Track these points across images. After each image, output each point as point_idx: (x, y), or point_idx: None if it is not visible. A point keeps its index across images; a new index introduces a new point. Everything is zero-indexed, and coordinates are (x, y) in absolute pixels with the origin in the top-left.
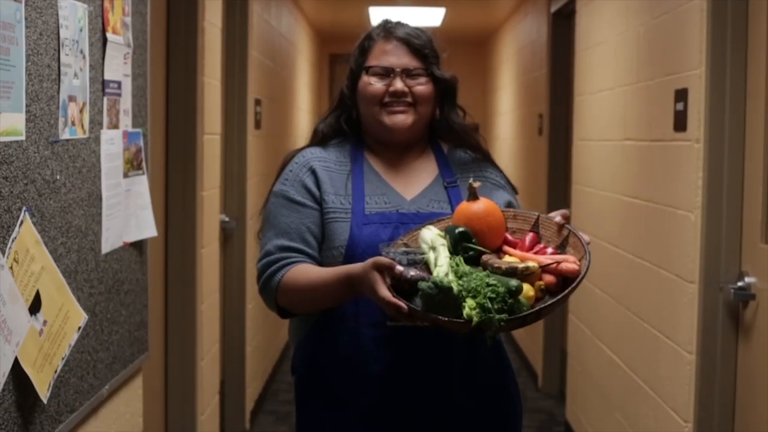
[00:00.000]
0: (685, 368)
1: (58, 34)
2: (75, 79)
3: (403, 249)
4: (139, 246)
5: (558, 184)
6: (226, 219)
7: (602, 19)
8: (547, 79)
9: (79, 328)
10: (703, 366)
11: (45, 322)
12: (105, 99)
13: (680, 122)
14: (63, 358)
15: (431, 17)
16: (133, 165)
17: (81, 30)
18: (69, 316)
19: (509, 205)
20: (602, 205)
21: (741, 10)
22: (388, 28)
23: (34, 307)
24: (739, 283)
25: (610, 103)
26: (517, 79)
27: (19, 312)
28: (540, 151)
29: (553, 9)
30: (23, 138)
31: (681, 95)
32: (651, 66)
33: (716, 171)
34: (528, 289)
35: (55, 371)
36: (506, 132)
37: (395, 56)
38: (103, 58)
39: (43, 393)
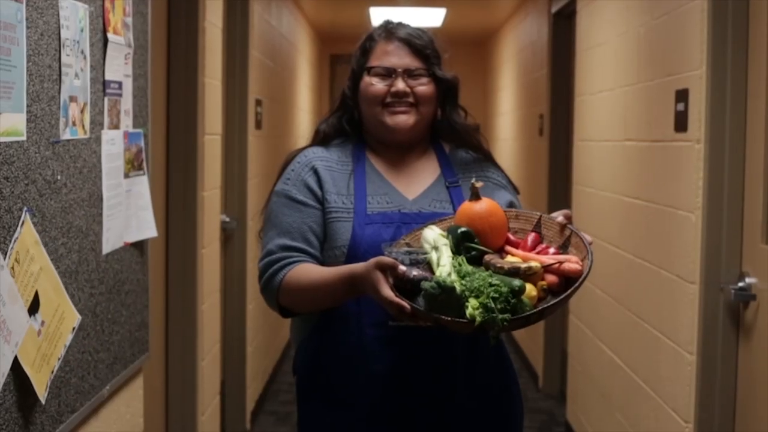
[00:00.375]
0: (685, 369)
1: (59, 34)
2: (76, 80)
3: (406, 249)
4: (139, 246)
5: (558, 185)
6: (227, 219)
7: (603, 20)
8: (548, 79)
9: (74, 328)
10: (704, 366)
11: (43, 323)
12: (106, 99)
13: (681, 123)
14: (59, 359)
15: (432, 18)
16: (133, 165)
17: (82, 30)
18: (64, 317)
19: (511, 205)
20: (603, 205)
21: (741, 11)
22: (389, 29)
23: (33, 307)
24: (740, 284)
25: (611, 103)
26: (517, 80)
27: (19, 312)
28: (541, 151)
29: (554, 9)
30: (24, 138)
31: (681, 96)
32: (651, 66)
33: (717, 171)
34: (531, 289)
35: (52, 371)
36: (507, 132)
37: (397, 57)
38: (104, 59)
39: (41, 393)
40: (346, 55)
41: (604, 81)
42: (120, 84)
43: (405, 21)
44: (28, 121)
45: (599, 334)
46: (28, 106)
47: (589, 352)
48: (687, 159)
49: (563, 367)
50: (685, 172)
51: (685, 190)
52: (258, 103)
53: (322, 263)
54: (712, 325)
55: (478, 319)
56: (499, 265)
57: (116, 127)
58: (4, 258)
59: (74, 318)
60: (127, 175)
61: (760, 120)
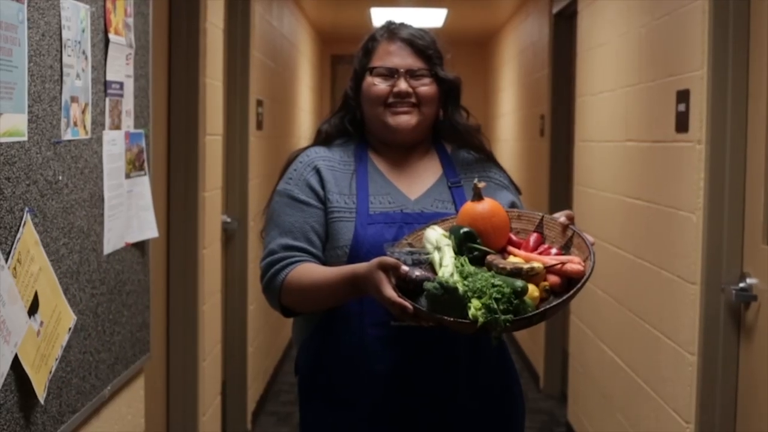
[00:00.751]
0: (686, 369)
1: (61, 35)
2: (77, 80)
3: (408, 249)
4: (140, 247)
5: (559, 185)
6: (228, 220)
7: (604, 20)
8: (549, 80)
9: (70, 329)
10: (705, 367)
11: (42, 323)
12: (107, 100)
13: (682, 123)
14: (56, 359)
15: (433, 18)
16: (135, 166)
17: (83, 31)
18: (61, 318)
19: (513, 205)
20: (604, 206)
21: (743, 11)
22: (391, 29)
23: (33, 308)
24: (741, 285)
25: (612, 104)
26: (518, 80)
27: (18, 313)
28: (542, 152)
29: (555, 10)
30: (25, 139)
31: (683, 96)
32: (652, 67)
33: (718, 172)
34: (533, 290)
35: (50, 372)
36: (508, 133)
37: (399, 57)
38: (105, 59)
39: (40, 393)
40: (347, 55)
41: (605, 81)
42: (121, 84)
43: (406, 21)
44: (30, 121)
45: (600, 335)
46: (29, 106)
47: (590, 352)
48: (688, 159)
49: (564, 367)
50: (686, 173)
51: (686, 190)
52: (259, 103)
53: (324, 263)
54: (713, 325)
55: (481, 319)
56: (501, 265)
57: (117, 127)
58: (7, 258)
59: (70, 319)
60: (128, 176)
61: (761, 120)
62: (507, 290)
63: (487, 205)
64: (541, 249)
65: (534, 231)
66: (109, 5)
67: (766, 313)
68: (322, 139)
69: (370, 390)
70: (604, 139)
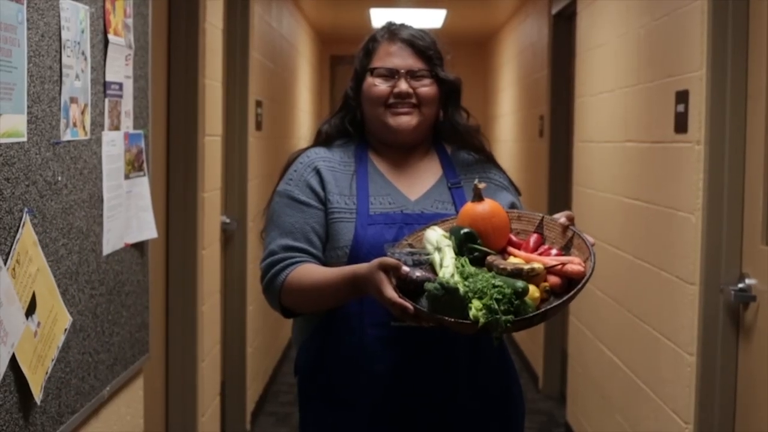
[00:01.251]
0: (685, 370)
1: (60, 35)
2: (76, 81)
3: (408, 249)
4: (140, 247)
5: (559, 186)
6: (227, 220)
7: (603, 21)
8: (548, 80)
9: (66, 330)
10: (704, 368)
11: (39, 324)
12: (106, 100)
13: (681, 124)
14: (53, 360)
15: (432, 19)
16: (134, 166)
17: (82, 31)
18: (57, 319)
19: (513, 206)
20: (603, 206)
21: (742, 12)
22: (392, 30)
23: (31, 308)
24: (740, 285)
25: (611, 104)
26: (518, 81)
27: (16, 313)
28: (541, 152)
29: (554, 11)
30: (25, 139)
31: (682, 97)
32: (652, 68)
33: (717, 172)
34: (533, 291)
35: (47, 372)
36: (507, 134)
37: (400, 58)
38: (105, 60)
39: (37, 394)
40: (347, 56)
41: (605, 82)
42: (120, 85)
43: (406, 22)
44: (29, 122)
45: (599, 335)
46: (28, 107)
47: (590, 353)
48: (687, 160)
49: (563, 368)
50: (685, 174)
51: (685, 191)
52: (258, 104)
53: (325, 264)
54: (712, 326)
55: (482, 320)
56: (502, 266)
57: (117, 128)
58: (6, 259)
59: (66, 320)
60: (127, 176)
61: (760, 121)
62: (508, 291)
63: (487, 205)
64: (541, 250)
65: (534, 232)
66: (108, 6)
67: (765, 313)
68: (323, 139)
69: (370, 390)
70: (603, 140)
